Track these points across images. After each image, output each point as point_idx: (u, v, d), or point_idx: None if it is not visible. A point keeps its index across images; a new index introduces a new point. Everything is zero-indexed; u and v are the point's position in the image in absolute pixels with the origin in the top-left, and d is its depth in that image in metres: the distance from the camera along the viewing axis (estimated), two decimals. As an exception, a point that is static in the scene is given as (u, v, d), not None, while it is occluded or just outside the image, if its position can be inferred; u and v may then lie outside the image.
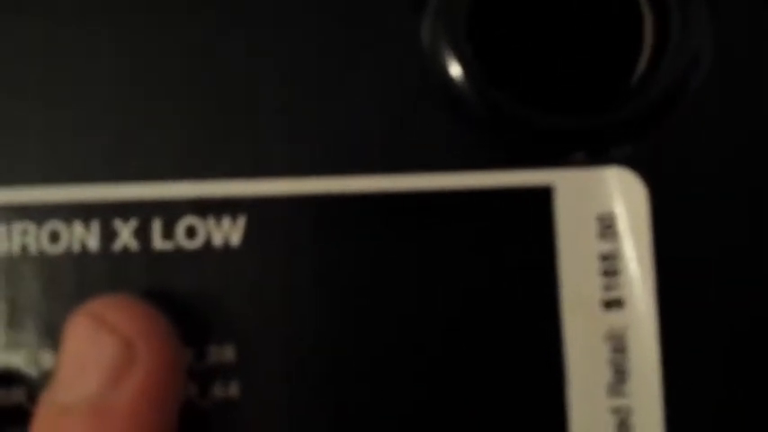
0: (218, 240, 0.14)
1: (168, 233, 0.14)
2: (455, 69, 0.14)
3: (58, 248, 0.14)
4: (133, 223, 0.14)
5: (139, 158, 0.14)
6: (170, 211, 0.14)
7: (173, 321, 0.13)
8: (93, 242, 0.14)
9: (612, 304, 0.13)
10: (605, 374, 0.13)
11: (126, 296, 0.13)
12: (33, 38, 0.14)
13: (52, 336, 0.13)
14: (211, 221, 0.14)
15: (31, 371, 0.13)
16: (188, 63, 0.14)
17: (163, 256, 0.14)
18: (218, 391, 0.13)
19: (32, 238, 0.14)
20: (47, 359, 0.13)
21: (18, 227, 0.14)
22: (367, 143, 0.14)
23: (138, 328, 0.12)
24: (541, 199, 0.14)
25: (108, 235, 0.14)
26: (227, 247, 0.14)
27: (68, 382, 0.12)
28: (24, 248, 0.14)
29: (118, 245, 0.14)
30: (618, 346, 0.13)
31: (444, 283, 0.13)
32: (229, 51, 0.14)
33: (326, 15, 0.14)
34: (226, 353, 0.13)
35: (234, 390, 0.13)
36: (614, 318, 0.13)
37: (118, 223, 0.14)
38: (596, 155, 0.14)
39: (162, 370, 0.12)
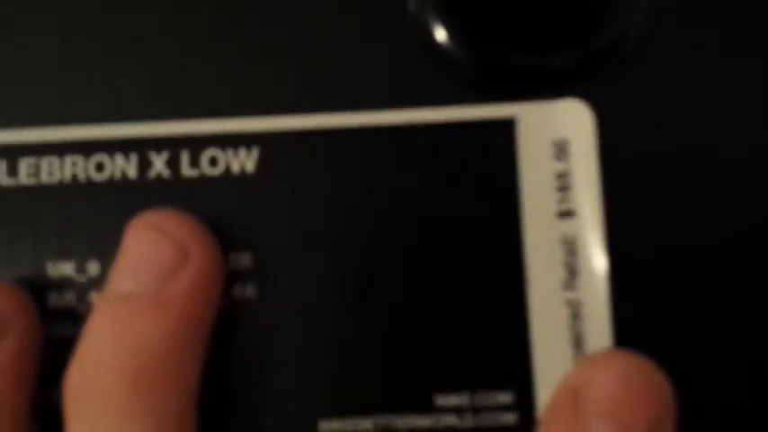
0: (235, 168, 0.16)
1: (194, 162, 0.16)
2: (438, 29, 0.17)
3: (103, 176, 0.16)
4: (165, 155, 0.16)
5: (169, 100, 0.16)
6: (195, 144, 0.16)
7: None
8: (132, 171, 0.16)
9: (565, 214, 0.16)
10: (560, 273, 0.16)
11: (176, 211, 0.16)
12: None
13: (98, 248, 0.16)
14: (230, 152, 0.16)
15: (80, 277, 0.16)
16: (212, 20, 0.16)
17: (190, 181, 0.16)
18: (237, 292, 0.16)
19: (81, 168, 0.16)
20: (93, 267, 0.16)
21: (69, 159, 0.16)
22: (356, 87, 0.16)
23: (189, 234, 0.15)
24: (506, 128, 0.16)
25: (144, 165, 0.16)
26: (243, 174, 0.16)
27: (130, 276, 0.15)
28: (74, 177, 0.16)
29: (152, 173, 0.16)
30: (570, 249, 0.16)
31: (426, 201, 0.16)
32: (247, 9, 0.16)
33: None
34: (243, 259, 0.16)
35: (251, 291, 0.16)
36: (567, 226, 0.16)
37: (152, 155, 0.16)
38: (554, 89, 0.16)
39: (209, 269, 0.15)
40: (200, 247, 0.15)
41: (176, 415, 0.15)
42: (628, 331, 0.16)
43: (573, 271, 0.16)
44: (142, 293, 0.15)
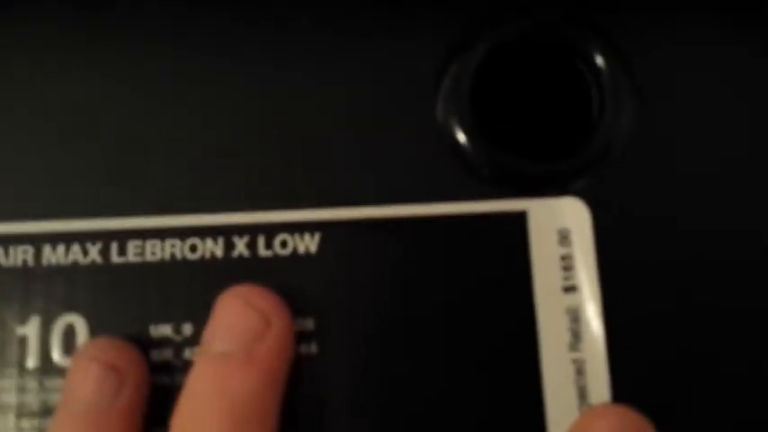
0: (301, 249, 0.20)
1: (269, 245, 0.20)
2: (461, 136, 0.21)
3: (195, 256, 0.20)
4: (245, 239, 0.20)
5: (249, 194, 0.20)
6: (270, 230, 0.20)
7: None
8: (219, 251, 0.20)
9: (569, 289, 0.20)
10: (566, 337, 0.19)
11: (258, 286, 0.19)
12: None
13: (191, 312, 0.20)
14: (297, 236, 0.20)
15: (176, 337, 0.20)
16: (280, 134, 0.21)
17: (265, 260, 0.20)
18: (302, 349, 0.20)
19: (178, 249, 0.20)
20: (187, 329, 0.20)
21: (168, 242, 0.20)
22: (395, 184, 0.20)
23: (270, 305, 0.19)
24: (519, 220, 0.20)
25: (229, 246, 0.20)
26: (308, 254, 0.20)
27: (224, 338, 0.18)
28: (173, 256, 0.20)
29: (235, 253, 0.20)
30: (574, 317, 0.19)
31: (454, 280, 0.20)
32: (303, 122, 0.21)
33: (370, 98, 0.21)
34: (308, 323, 0.20)
35: (313, 348, 0.20)
36: (571, 299, 0.20)
37: (235, 239, 0.20)
38: (557, 188, 0.20)
39: (287, 333, 0.19)
40: (279, 316, 0.19)
41: None
42: (624, 385, 0.19)
43: (577, 335, 0.19)
44: (235, 353, 0.18)
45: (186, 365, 0.19)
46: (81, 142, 0.21)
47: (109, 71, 0.21)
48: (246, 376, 0.18)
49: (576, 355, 0.19)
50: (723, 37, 0.21)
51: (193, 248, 0.20)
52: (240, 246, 0.20)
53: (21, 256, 0.20)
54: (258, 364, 0.18)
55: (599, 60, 0.20)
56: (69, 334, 0.20)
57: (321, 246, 0.20)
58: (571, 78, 0.21)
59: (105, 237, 0.20)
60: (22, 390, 0.20)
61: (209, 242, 0.20)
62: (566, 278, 0.20)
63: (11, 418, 0.20)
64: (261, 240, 0.20)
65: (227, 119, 0.21)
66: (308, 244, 0.20)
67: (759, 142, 0.20)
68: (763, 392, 0.19)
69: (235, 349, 0.18)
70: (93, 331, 0.20)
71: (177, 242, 0.20)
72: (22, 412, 0.20)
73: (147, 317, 0.20)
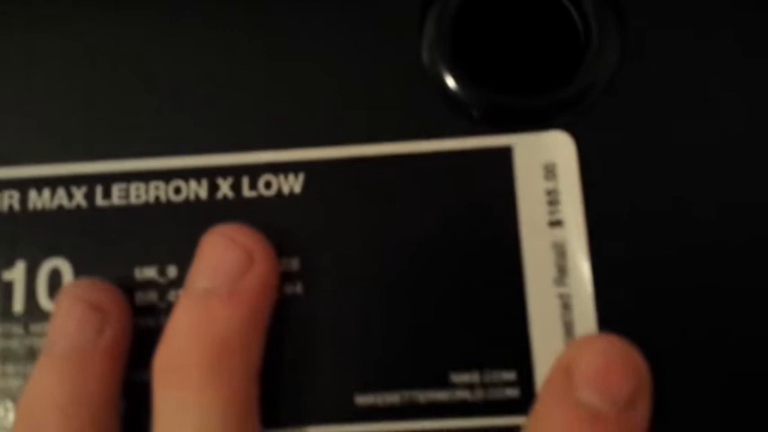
0: (285, 189, 0.20)
1: (253, 185, 0.20)
2: (448, 77, 0.20)
3: (180, 198, 0.20)
4: (229, 180, 0.20)
5: (233, 135, 0.20)
6: (254, 170, 0.20)
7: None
8: (203, 193, 0.20)
9: (555, 224, 0.19)
10: (552, 272, 0.19)
11: (242, 224, 0.19)
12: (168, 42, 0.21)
13: (176, 255, 0.20)
14: (281, 177, 0.20)
15: (161, 279, 0.20)
16: (267, 71, 0.21)
17: (250, 201, 0.20)
18: (287, 289, 0.20)
19: (162, 191, 0.20)
20: (172, 271, 0.20)
21: (153, 184, 0.20)
22: (380, 123, 0.20)
23: (254, 242, 0.19)
24: (505, 154, 0.20)
25: (213, 188, 0.20)
26: (292, 194, 0.20)
27: (207, 275, 0.18)
28: (157, 198, 0.20)
29: (219, 195, 0.20)
30: (560, 252, 0.19)
31: (440, 215, 0.20)
32: (287, 66, 0.20)
33: (353, 39, 0.21)
34: (293, 263, 0.20)
35: (298, 288, 0.20)
36: (557, 233, 0.19)
37: (219, 180, 0.20)
38: (543, 123, 0.20)
39: (270, 269, 0.19)
40: (263, 253, 0.19)
41: (245, 389, 0.18)
42: (610, 319, 0.19)
43: (563, 270, 0.19)
44: (218, 289, 0.18)
45: (171, 308, 0.19)
46: (64, 87, 0.21)
47: (91, 18, 0.21)
48: (229, 312, 0.18)
49: (561, 290, 0.19)
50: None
51: (177, 190, 0.20)
52: (224, 187, 0.20)
53: (6, 200, 0.20)
54: (241, 300, 0.18)
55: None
56: (55, 278, 0.20)
57: (306, 186, 0.20)
58: (555, 13, 0.21)
59: (90, 180, 0.20)
60: (7, 335, 0.20)
61: (194, 184, 0.20)
62: (551, 212, 0.19)
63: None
64: (245, 181, 0.20)
65: (210, 61, 0.21)
66: (293, 184, 0.20)
67: (748, 80, 0.20)
68: (749, 329, 0.19)
69: (218, 285, 0.18)
70: (79, 275, 0.20)
71: (161, 184, 0.20)
72: (6, 357, 0.20)
73: (131, 260, 0.20)
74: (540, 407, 0.17)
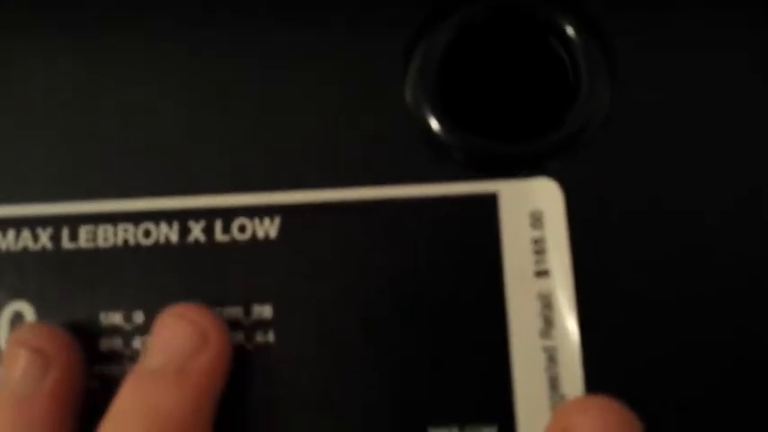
0: (261, 234, 0.19)
1: (226, 229, 0.19)
2: (432, 120, 0.20)
3: (149, 241, 0.19)
4: (202, 223, 0.19)
5: (205, 176, 0.19)
6: (227, 214, 0.19)
7: (228, 289, 0.19)
8: (174, 237, 0.19)
9: (541, 274, 0.19)
10: (538, 324, 0.18)
11: (200, 304, 0.18)
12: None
13: (143, 301, 0.19)
14: (257, 221, 0.19)
15: (127, 325, 0.19)
16: (242, 111, 0.20)
17: (222, 245, 0.19)
18: (259, 338, 0.19)
19: (131, 234, 0.19)
20: (138, 317, 0.19)
21: (121, 227, 0.19)
22: (361, 167, 0.19)
23: (209, 322, 0.18)
24: (490, 202, 0.19)
25: (184, 231, 0.19)
26: (267, 239, 0.19)
27: (157, 355, 0.17)
28: (125, 241, 0.19)
29: (191, 238, 0.19)
30: (546, 303, 0.18)
31: (421, 263, 0.19)
32: (265, 105, 0.20)
33: (336, 80, 0.20)
34: (265, 311, 0.19)
35: (270, 337, 0.19)
36: (543, 283, 0.19)
37: (191, 223, 0.19)
38: (529, 169, 0.19)
39: (223, 351, 0.18)
40: (218, 333, 0.18)
41: None
42: (597, 373, 0.18)
43: (549, 322, 0.18)
44: (166, 368, 0.17)
45: (135, 355, 0.19)
46: (32, 125, 0.20)
47: (63, 57, 0.21)
48: (175, 394, 0.17)
49: (547, 343, 0.18)
50: (701, 14, 0.20)
51: (147, 234, 0.19)
52: (196, 230, 0.19)
53: (-33, 242, 0.19)
54: (188, 382, 0.17)
55: (571, 34, 0.20)
56: (17, 321, 0.19)
57: (281, 230, 0.19)
58: (544, 57, 0.20)
59: (56, 222, 0.19)
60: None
61: (164, 227, 0.19)
62: (538, 262, 0.19)
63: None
64: (218, 225, 0.19)
65: (184, 101, 0.20)
66: (268, 228, 0.19)
67: (738, 123, 0.19)
68: (741, 383, 0.18)
69: (166, 365, 0.17)
70: (42, 319, 0.19)
71: (130, 227, 0.19)
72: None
73: (97, 304, 0.19)
74: None
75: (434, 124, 0.20)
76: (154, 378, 0.17)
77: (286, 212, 0.19)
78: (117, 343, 0.19)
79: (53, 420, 0.17)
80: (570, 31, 0.20)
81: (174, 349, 0.18)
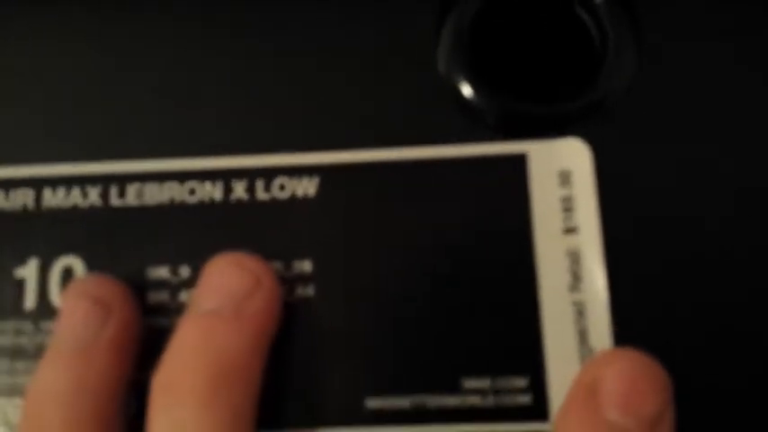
0: (300, 192, 0.20)
1: (267, 188, 0.20)
2: (465, 85, 0.20)
3: (194, 199, 0.20)
4: (244, 182, 0.20)
5: (248, 137, 0.20)
6: (268, 173, 0.20)
7: (269, 245, 0.19)
8: (218, 195, 0.20)
9: (570, 231, 0.19)
10: (566, 279, 0.19)
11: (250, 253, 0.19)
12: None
13: (189, 255, 0.20)
14: (296, 180, 0.20)
15: (173, 279, 0.20)
16: (286, 74, 0.21)
17: (264, 203, 0.20)
18: (299, 291, 0.19)
19: (177, 192, 0.20)
20: (185, 271, 0.20)
21: (167, 185, 0.20)
22: (396, 129, 0.20)
23: (261, 267, 0.19)
24: (520, 162, 0.20)
25: (227, 190, 0.20)
26: (306, 198, 0.20)
27: (213, 297, 0.18)
28: (171, 199, 0.20)
29: (234, 197, 0.20)
30: (574, 259, 0.19)
31: (455, 221, 0.20)
32: (304, 69, 0.21)
33: (370, 45, 0.21)
34: (305, 265, 0.20)
35: (310, 291, 0.19)
36: (571, 240, 0.19)
37: (234, 182, 0.20)
38: (558, 130, 0.20)
39: (276, 293, 0.19)
40: (269, 278, 0.19)
41: (243, 411, 0.18)
42: (625, 327, 0.19)
43: (577, 277, 0.19)
44: (223, 309, 0.18)
45: (182, 308, 0.19)
46: (80, 88, 0.21)
47: (106, 20, 0.21)
48: (233, 333, 0.18)
49: (576, 297, 0.19)
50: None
51: (192, 192, 0.20)
52: (239, 189, 0.20)
53: (21, 198, 0.20)
54: (246, 322, 0.18)
55: (598, 1, 0.20)
56: (67, 276, 0.20)
57: (320, 189, 0.20)
58: (571, 23, 0.21)
59: (105, 180, 0.20)
60: (18, 332, 0.20)
61: (208, 185, 0.20)
62: (566, 219, 0.19)
63: (5, 360, 0.19)
64: (259, 184, 0.20)
65: (228, 65, 0.21)
66: (307, 187, 0.20)
67: (762, 94, 0.20)
68: (765, 335, 0.19)
69: (222, 306, 0.18)
70: (92, 272, 0.20)
71: (176, 185, 0.20)
72: (17, 354, 0.19)
73: (144, 259, 0.20)
74: (563, 425, 0.17)
75: (466, 90, 0.20)
76: (212, 318, 0.18)
77: (324, 172, 0.20)
78: (163, 296, 0.20)
79: (114, 368, 0.18)
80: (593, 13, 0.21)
81: (230, 291, 0.18)
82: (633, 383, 0.17)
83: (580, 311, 0.19)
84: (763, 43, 0.20)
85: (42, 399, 0.18)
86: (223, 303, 0.18)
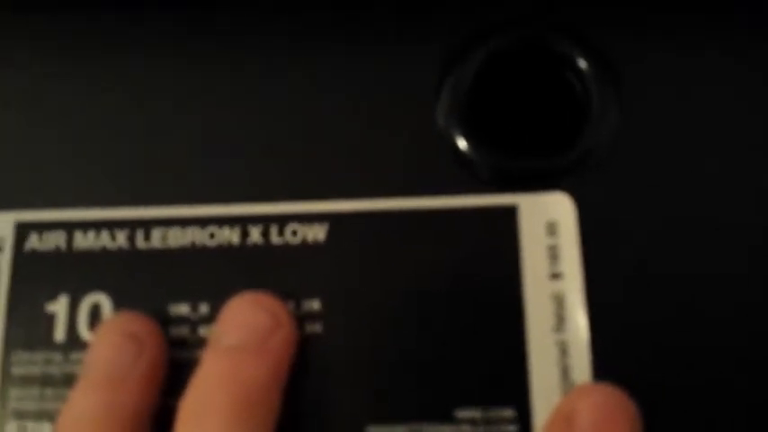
0: (310, 238, 0.22)
1: (281, 233, 0.22)
2: (461, 140, 0.23)
3: (213, 242, 0.22)
4: (259, 227, 0.22)
5: (263, 186, 0.22)
6: (282, 219, 0.22)
7: (282, 285, 0.21)
8: (235, 239, 0.22)
9: (555, 276, 0.21)
10: (551, 320, 0.21)
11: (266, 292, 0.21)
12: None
13: (208, 294, 0.22)
14: (307, 226, 0.22)
15: (193, 315, 0.22)
16: (293, 134, 0.23)
17: (277, 247, 0.22)
18: (308, 328, 0.21)
19: (198, 236, 0.22)
20: (204, 308, 0.22)
21: (190, 229, 0.22)
22: (397, 181, 0.22)
23: (279, 308, 0.21)
24: (511, 213, 0.22)
25: (244, 235, 0.22)
26: (316, 242, 0.22)
27: (236, 333, 0.20)
28: (193, 243, 0.22)
29: (250, 241, 0.22)
30: (559, 302, 0.21)
31: (451, 266, 0.22)
32: (316, 124, 0.23)
33: (375, 102, 0.23)
34: (314, 304, 0.21)
35: (318, 328, 0.21)
36: (557, 285, 0.21)
37: (250, 227, 0.22)
38: (546, 184, 0.22)
39: (293, 331, 0.21)
40: (288, 317, 0.21)
41: None
42: (603, 365, 0.21)
43: (561, 319, 0.21)
44: (247, 345, 0.20)
45: (201, 342, 0.21)
46: (109, 138, 0.23)
47: (137, 75, 0.24)
48: (257, 365, 0.20)
49: (560, 337, 0.21)
50: (704, 46, 0.23)
51: (212, 236, 0.22)
52: (255, 234, 0.22)
53: (53, 240, 0.22)
54: (268, 356, 0.20)
55: (583, 66, 0.23)
56: (95, 311, 0.22)
57: (329, 235, 0.22)
58: (561, 85, 0.23)
59: (132, 224, 0.22)
60: (48, 362, 0.21)
61: (227, 230, 0.22)
62: (552, 266, 0.21)
63: (36, 388, 0.21)
64: (273, 229, 0.22)
65: (245, 120, 0.23)
66: (317, 233, 0.22)
67: (740, 143, 0.22)
68: (739, 380, 0.21)
69: (248, 341, 0.20)
70: (118, 309, 0.22)
71: (198, 230, 0.22)
72: (47, 382, 0.21)
73: (167, 296, 0.22)
74: None
75: (463, 144, 0.22)
76: (236, 352, 0.20)
77: (332, 219, 0.22)
78: (184, 331, 0.21)
79: (144, 397, 0.20)
80: (582, 63, 0.23)
81: (253, 327, 0.20)
82: (605, 414, 0.18)
83: (563, 350, 0.21)
84: (739, 94, 0.22)
85: (75, 424, 0.19)
86: (247, 339, 0.20)
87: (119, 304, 0.22)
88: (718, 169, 0.22)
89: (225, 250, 0.22)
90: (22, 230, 0.22)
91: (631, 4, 0.23)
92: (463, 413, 0.21)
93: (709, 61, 0.23)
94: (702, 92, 0.23)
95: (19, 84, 0.24)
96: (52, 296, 0.22)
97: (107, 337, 0.20)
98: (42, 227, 0.22)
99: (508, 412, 0.21)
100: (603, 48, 0.23)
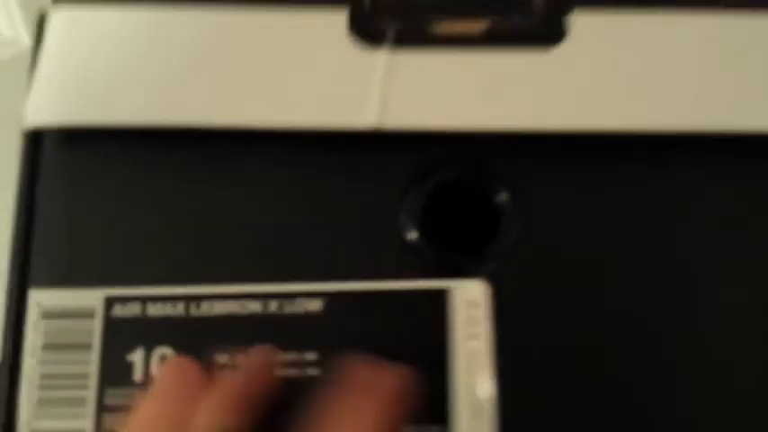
0: (311, 308, 0.32)
1: (290, 305, 0.32)
2: (416, 239, 0.33)
3: (244, 311, 0.32)
4: (275, 301, 0.33)
5: (276, 273, 0.33)
6: (291, 295, 0.33)
7: (289, 340, 0.32)
8: (258, 308, 0.32)
9: (472, 336, 0.32)
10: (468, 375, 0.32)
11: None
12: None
13: (241, 346, 0.32)
14: (306, 300, 0.33)
15: (229, 362, 0.32)
16: (294, 232, 0.33)
17: (287, 314, 0.32)
18: (308, 371, 0.32)
19: (232, 306, 0.32)
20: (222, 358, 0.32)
21: (228, 302, 0.33)
22: (365, 272, 0.33)
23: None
24: (442, 295, 0.33)
25: (265, 306, 0.32)
26: (314, 311, 0.32)
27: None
28: (229, 311, 0.32)
29: (269, 309, 0.32)
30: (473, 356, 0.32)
31: (391, 343, 0.32)
32: (310, 237, 0.33)
33: (346, 214, 0.34)
34: (312, 355, 0.32)
35: (315, 372, 0.32)
36: (472, 344, 0.32)
37: (269, 300, 0.32)
38: (470, 273, 0.33)
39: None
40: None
41: None
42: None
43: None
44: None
45: (236, 380, 0.31)
46: (174, 240, 0.33)
47: (199, 197, 0.34)
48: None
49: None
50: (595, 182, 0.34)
51: (243, 306, 0.32)
52: (272, 305, 0.32)
53: (131, 310, 0.32)
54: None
55: (500, 199, 0.34)
56: (163, 359, 0.32)
57: (324, 306, 0.32)
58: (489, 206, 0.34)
59: (186, 298, 0.33)
60: (128, 396, 0.31)
61: (252, 302, 0.32)
62: (471, 329, 0.32)
63: (121, 415, 0.31)
64: (285, 301, 0.32)
65: (260, 233, 0.34)
66: (315, 305, 0.32)
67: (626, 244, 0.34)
68: None
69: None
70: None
71: (232, 302, 0.32)
72: (129, 410, 0.31)
73: (213, 348, 0.32)
74: None
75: (417, 243, 0.33)
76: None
77: (327, 296, 0.33)
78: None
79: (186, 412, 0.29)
80: (497, 198, 0.34)
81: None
82: None
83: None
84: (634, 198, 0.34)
85: (138, 422, 0.29)
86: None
87: (179, 354, 0.32)
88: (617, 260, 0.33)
89: (251, 316, 0.32)
90: (109, 303, 0.32)
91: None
92: None
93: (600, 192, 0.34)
94: (596, 198, 0.34)
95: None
96: (131, 349, 0.32)
97: (169, 368, 0.30)
98: (123, 299, 0.33)
99: None
100: (516, 184, 0.34)
